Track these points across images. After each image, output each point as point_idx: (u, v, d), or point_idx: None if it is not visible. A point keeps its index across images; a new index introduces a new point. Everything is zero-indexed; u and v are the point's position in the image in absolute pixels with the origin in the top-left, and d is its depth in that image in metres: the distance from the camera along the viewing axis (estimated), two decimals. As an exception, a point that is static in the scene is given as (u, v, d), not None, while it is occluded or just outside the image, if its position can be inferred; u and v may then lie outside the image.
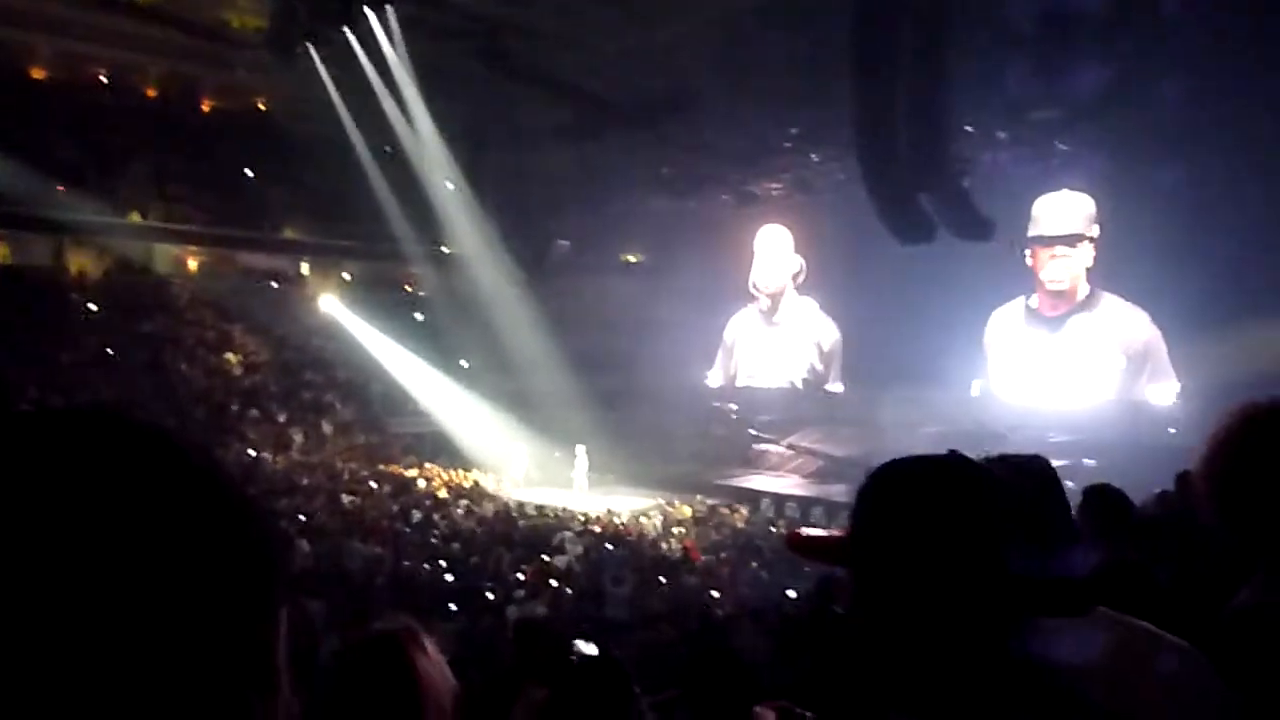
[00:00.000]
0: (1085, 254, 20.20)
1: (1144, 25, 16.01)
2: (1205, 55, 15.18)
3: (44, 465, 0.51)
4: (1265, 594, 1.44)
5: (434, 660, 1.75)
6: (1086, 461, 14.78)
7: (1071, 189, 19.99)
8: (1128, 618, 1.41)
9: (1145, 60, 16.13)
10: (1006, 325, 21.69)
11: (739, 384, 26.95)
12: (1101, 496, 3.20)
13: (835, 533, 1.05)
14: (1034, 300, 21.31)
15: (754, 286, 26.70)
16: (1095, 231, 19.89)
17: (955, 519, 0.93)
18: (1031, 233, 20.62)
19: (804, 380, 25.68)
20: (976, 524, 0.93)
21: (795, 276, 26.03)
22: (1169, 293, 16.94)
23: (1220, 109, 15.66)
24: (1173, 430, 16.39)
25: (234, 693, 0.52)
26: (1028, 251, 20.78)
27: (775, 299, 26.36)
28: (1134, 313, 19.53)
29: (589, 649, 2.95)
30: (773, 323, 26.54)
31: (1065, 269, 20.49)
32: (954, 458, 0.99)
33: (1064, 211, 20.13)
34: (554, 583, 10.46)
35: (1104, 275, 19.96)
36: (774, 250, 26.16)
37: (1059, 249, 20.35)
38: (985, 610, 0.91)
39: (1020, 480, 1.58)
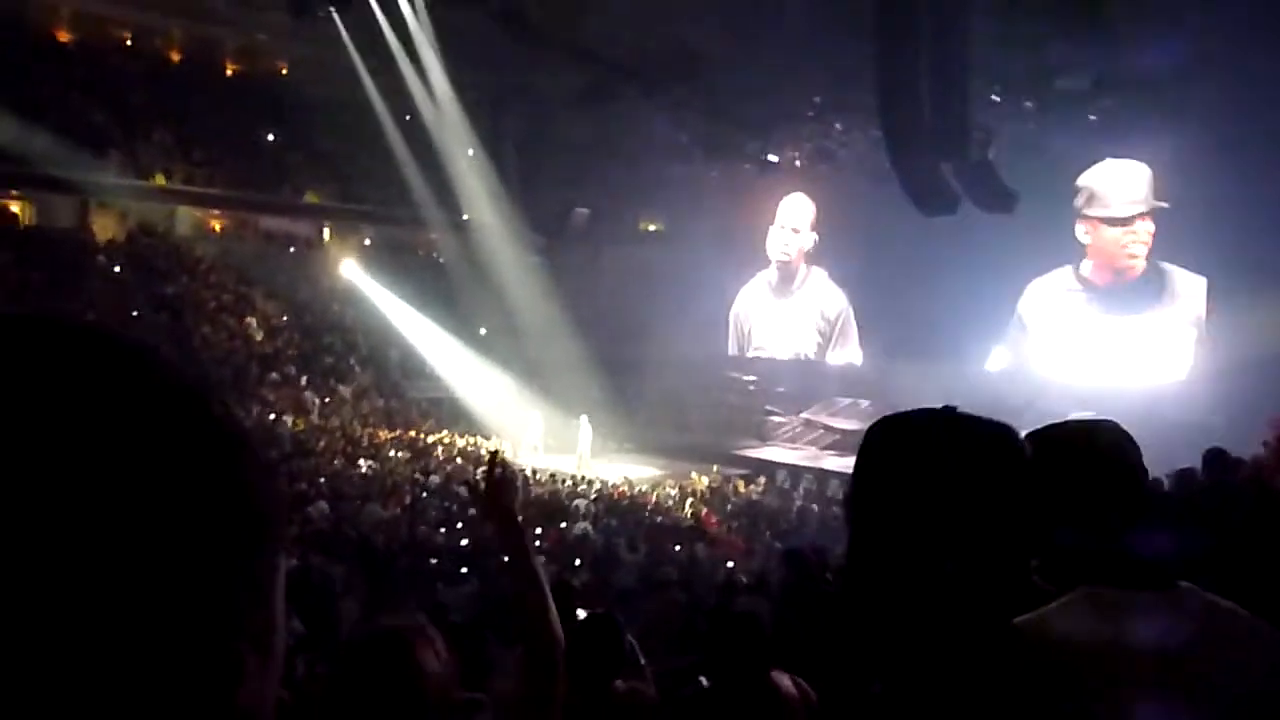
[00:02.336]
0: (1150, 226, 19.24)
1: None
2: (1249, 26, 14.86)
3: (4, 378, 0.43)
4: None
5: (442, 661, 1.74)
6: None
7: (1115, 158, 19.22)
8: (1214, 597, 1.40)
9: (1177, 32, 15.82)
10: (1052, 296, 20.74)
11: (750, 356, 26.87)
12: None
13: None
14: (1086, 269, 20.27)
15: (769, 253, 26.49)
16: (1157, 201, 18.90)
17: (948, 471, 0.90)
18: (1095, 210, 19.55)
19: (814, 351, 25.59)
20: (969, 479, 0.90)
21: (807, 251, 25.83)
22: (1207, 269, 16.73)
23: (1258, 83, 15.35)
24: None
25: (224, 645, 0.46)
26: (1084, 227, 19.89)
27: (787, 269, 26.20)
28: (1194, 280, 18.78)
29: (586, 613, 3.01)
30: (783, 294, 26.37)
31: (1140, 245, 19.33)
32: (949, 412, 0.96)
33: (1134, 186, 19.04)
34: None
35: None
36: (795, 222, 25.95)
37: (1138, 224, 19.20)
38: (978, 576, 0.88)
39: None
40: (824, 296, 25.36)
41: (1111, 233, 19.59)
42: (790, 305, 26.11)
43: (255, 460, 0.50)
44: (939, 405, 1.00)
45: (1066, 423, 1.59)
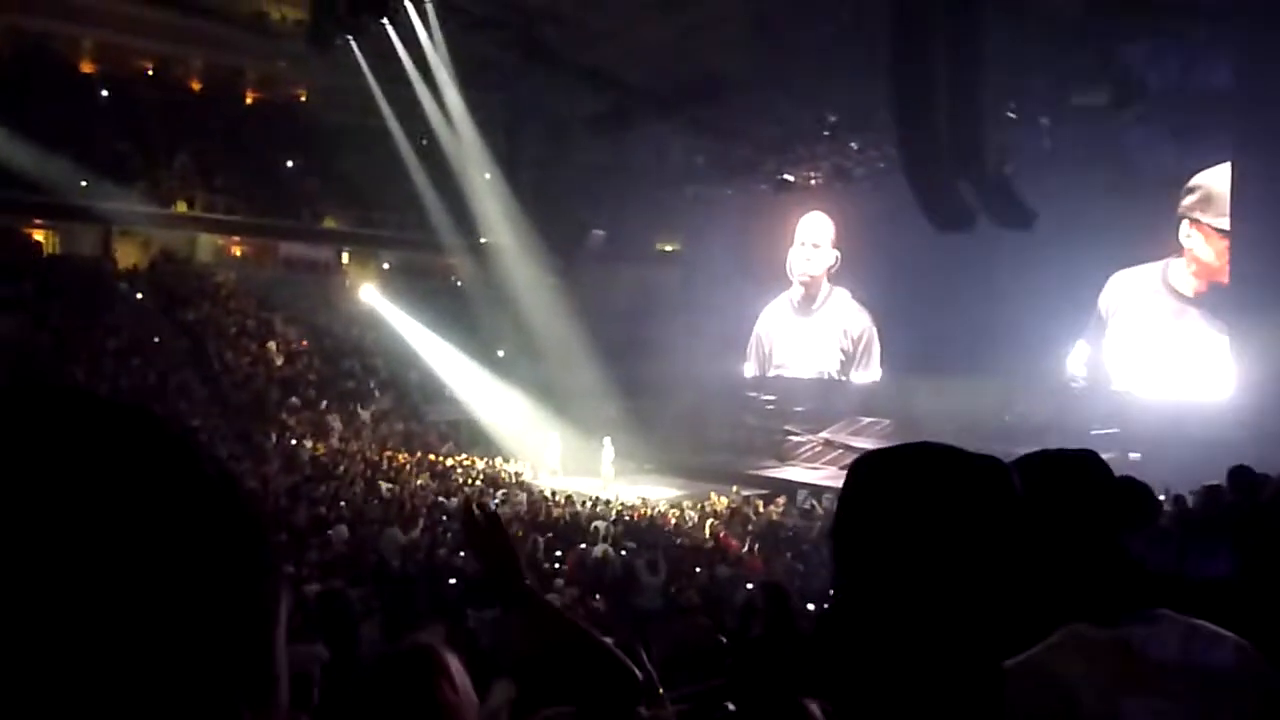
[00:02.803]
0: None
1: (1191, 6, 15.66)
2: (1253, 39, 14.81)
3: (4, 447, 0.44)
4: None
5: (458, 684, 1.72)
6: (1131, 455, 14.57)
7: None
8: (1193, 619, 1.38)
9: (1194, 43, 15.78)
10: (1133, 294, 19.65)
11: (771, 375, 26.79)
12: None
13: None
14: (1177, 273, 18.97)
15: (790, 272, 26.50)
16: None
17: (934, 509, 0.88)
18: (1211, 217, 18.04)
19: (837, 370, 25.47)
20: (956, 516, 0.88)
21: (830, 268, 25.79)
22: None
23: (1271, 90, 15.20)
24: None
25: (223, 704, 0.46)
26: (1194, 231, 18.53)
27: (810, 288, 26.18)
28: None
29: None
30: (806, 313, 26.34)
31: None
32: (938, 446, 0.94)
33: None
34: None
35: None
36: (815, 238, 25.95)
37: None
38: (968, 616, 0.87)
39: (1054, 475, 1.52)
40: (847, 315, 25.29)
41: (1222, 244, 17.99)
42: (812, 324, 26.05)
43: (253, 515, 0.50)
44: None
45: (1066, 450, 1.58)
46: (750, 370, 27.41)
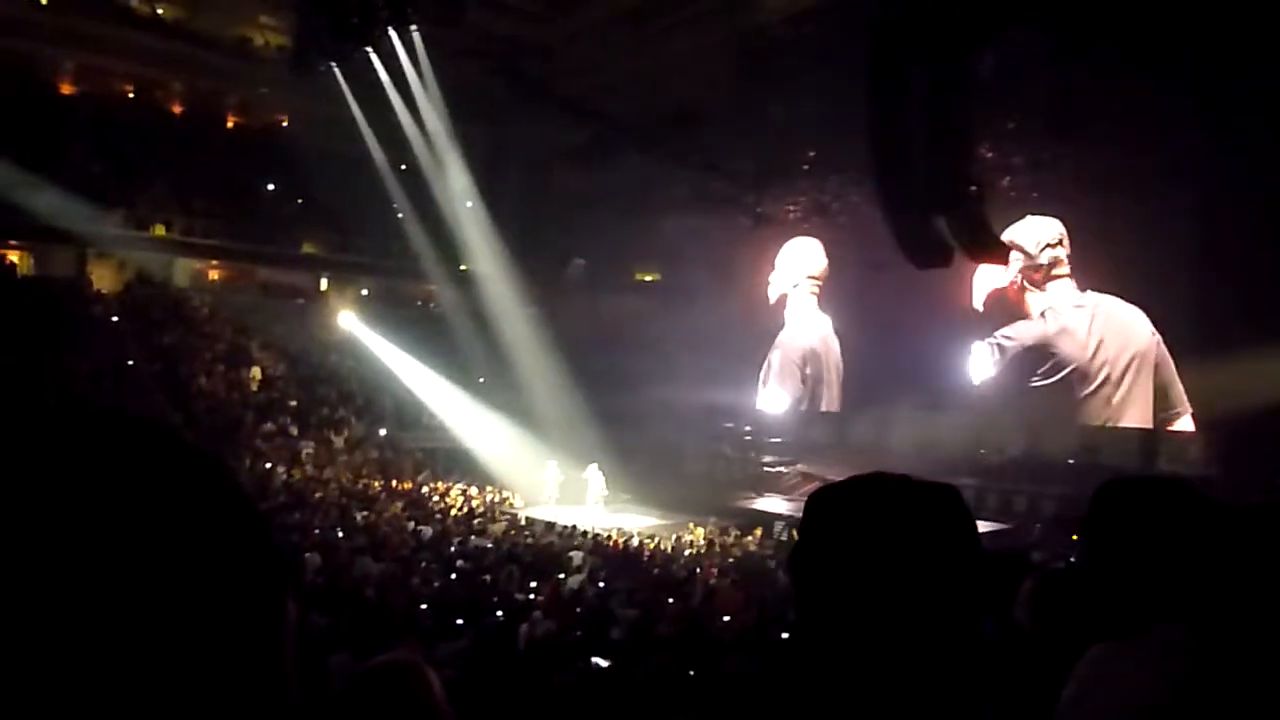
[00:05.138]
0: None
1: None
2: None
3: (40, 465, 0.48)
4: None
5: (438, 696, 1.73)
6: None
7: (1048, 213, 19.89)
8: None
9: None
10: None
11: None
12: None
13: None
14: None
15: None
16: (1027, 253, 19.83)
17: (877, 538, 0.92)
18: None
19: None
20: (901, 543, 0.92)
21: (796, 287, 25.56)
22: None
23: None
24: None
25: (241, 703, 0.49)
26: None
27: (780, 310, 26.08)
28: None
29: (603, 663, 2.91)
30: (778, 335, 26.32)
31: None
32: (890, 476, 0.98)
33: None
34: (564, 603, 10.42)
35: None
36: (779, 263, 25.86)
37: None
38: (914, 628, 0.90)
39: None
40: (812, 339, 25.24)
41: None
42: (779, 345, 25.98)
43: (265, 526, 0.54)
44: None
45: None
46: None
